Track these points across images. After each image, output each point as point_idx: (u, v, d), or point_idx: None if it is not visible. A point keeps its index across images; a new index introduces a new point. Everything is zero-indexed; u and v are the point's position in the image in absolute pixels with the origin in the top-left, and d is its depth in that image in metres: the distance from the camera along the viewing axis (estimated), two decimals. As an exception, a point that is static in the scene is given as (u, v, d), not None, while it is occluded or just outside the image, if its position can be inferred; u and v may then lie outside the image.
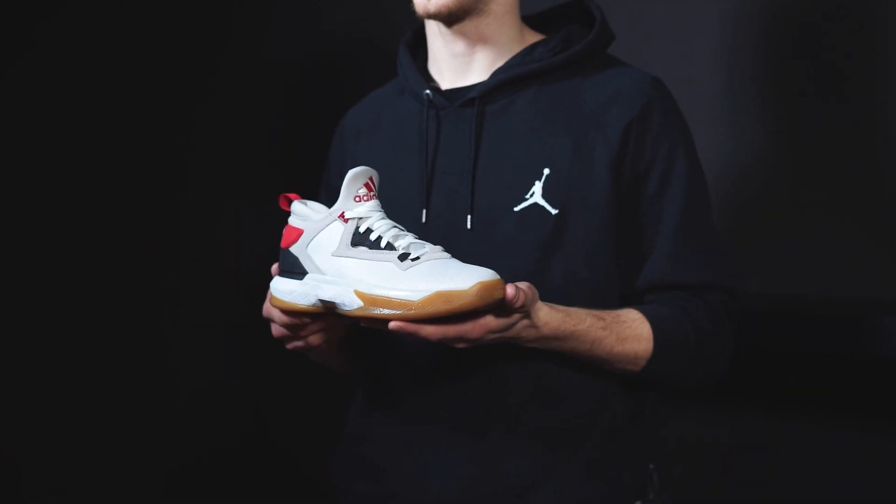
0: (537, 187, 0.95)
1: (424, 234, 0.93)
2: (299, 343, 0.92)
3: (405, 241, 0.84)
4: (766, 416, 1.40)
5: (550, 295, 0.89)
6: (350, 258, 0.84)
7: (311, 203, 0.89)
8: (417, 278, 0.80)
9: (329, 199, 0.89)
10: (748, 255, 1.33)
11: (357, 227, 0.85)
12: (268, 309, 0.91)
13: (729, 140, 1.36)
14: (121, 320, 1.65)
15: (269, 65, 1.72)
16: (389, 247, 0.84)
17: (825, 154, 1.33)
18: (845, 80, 1.30)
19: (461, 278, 0.78)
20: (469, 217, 0.96)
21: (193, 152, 1.68)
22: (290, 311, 0.87)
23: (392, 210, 0.92)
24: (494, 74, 0.98)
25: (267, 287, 0.92)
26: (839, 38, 1.31)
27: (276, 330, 0.92)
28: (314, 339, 0.91)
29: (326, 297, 0.83)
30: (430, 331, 0.78)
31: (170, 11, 1.71)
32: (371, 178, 0.87)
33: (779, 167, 1.37)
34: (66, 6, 1.58)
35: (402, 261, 0.82)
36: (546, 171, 0.95)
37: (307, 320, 0.88)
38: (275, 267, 0.90)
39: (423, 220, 0.98)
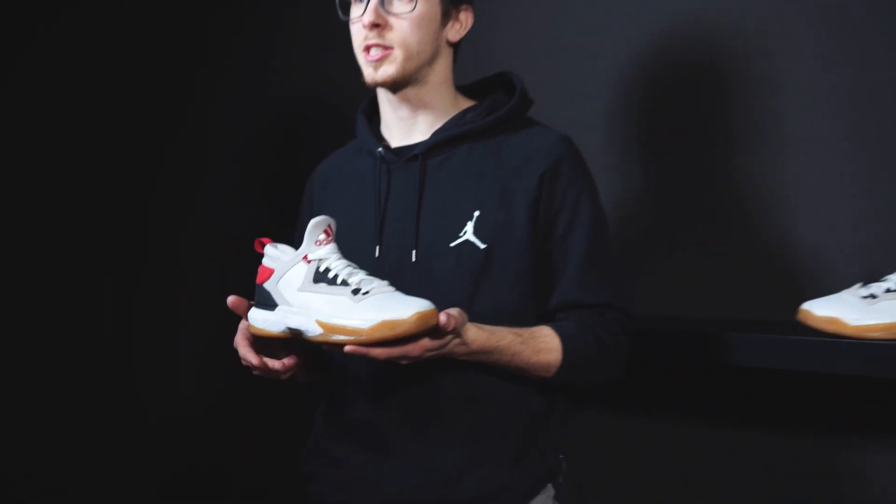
0: (469, 227, 1.07)
1: (378, 266, 1.05)
2: (260, 374, 1.03)
3: (357, 278, 0.95)
4: (647, 414, 1.51)
5: (480, 314, 1.00)
6: (312, 293, 0.95)
7: (280, 246, 1.00)
8: (367, 309, 0.91)
9: (301, 241, 0.99)
10: (630, 282, 1.43)
11: (318, 267, 0.96)
12: (237, 342, 1.03)
13: (617, 186, 1.48)
14: (120, 335, 1.79)
15: (245, 126, 1.88)
16: (344, 283, 0.94)
17: (693, 202, 1.45)
18: (707, 138, 1.44)
19: (402, 309, 0.89)
20: (414, 252, 1.08)
21: (189, 193, 1.85)
22: (263, 337, 0.99)
23: (352, 247, 1.03)
24: (434, 135, 1.11)
25: (236, 320, 1.03)
26: (703, 105, 1.45)
27: (244, 362, 1.03)
28: (276, 367, 1.02)
29: (293, 326, 0.95)
30: (378, 352, 0.90)
31: (158, 65, 1.83)
32: (329, 226, 0.98)
33: (658, 211, 1.49)
34: (49, 45, 1.67)
35: (354, 295, 0.93)
36: (476, 213, 1.07)
37: (255, 361, 1.00)
38: (231, 299, 1.01)
39: (377, 254, 1.09)
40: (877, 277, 1.15)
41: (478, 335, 0.98)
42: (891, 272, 1.13)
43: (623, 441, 1.53)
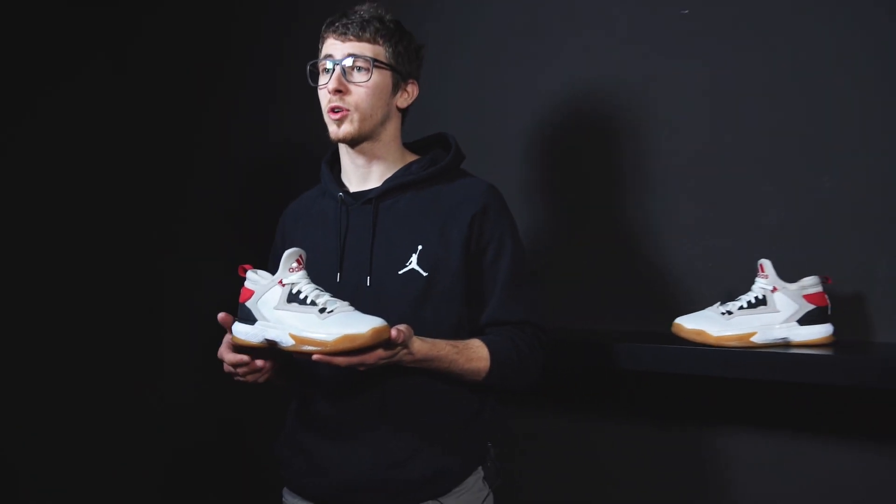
0: (414, 258, 1.21)
1: (338, 290, 1.18)
2: (241, 379, 1.19)
3: (323, 299, 1.09)
4: (557, 409, 1.70)
5: (423, 330, 1.15)
6: (286, 311, 1.08)
7: (259, 272, 1.14)
8: (331, 325, 1.04)
9: (275, 266, 1.13)
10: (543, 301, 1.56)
11: (291, 290, 1.10)
12: (221, 352, 1.17)
13: (529, 223, 1.68)
14: (116, 345, 1.96)
15: (234, 169, 2.18)
16: (312, 303, 1.08)
17: (591, 236, 1.67)
18: (600, 183, 1.66)
19: (361, 325, 1.03)
20: (369, 278, 1.22)
21: (180, 230, 2.15)
22: (244, 347, 1.13)
23: (317, 273, 1.16)
24: (385, 182, 1.27)
25: (222, 333, 1.18)
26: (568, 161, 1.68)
27: (226, 367, 1.18)
28: (250, 378, 1.18)
29: (270, 338, 1.08)
30: (340, 360, 1.03)
31: (162, 125, 2.17)
32: (301, 256, 1.12)
33: (561, 243, 1.70)
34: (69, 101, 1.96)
35: (321, 313, 1.06)
36: (420, 247, 1.22)
37: (246, 358, 1.15)
38: (222, 315, 1.15)
39: (338, 280, 1.23)
40: (732, 297, 1.37)
41: (421, 346, 1.13)
42: (743, 293, 1.36)
43: (538, 431, 1.72)
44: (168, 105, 2.14)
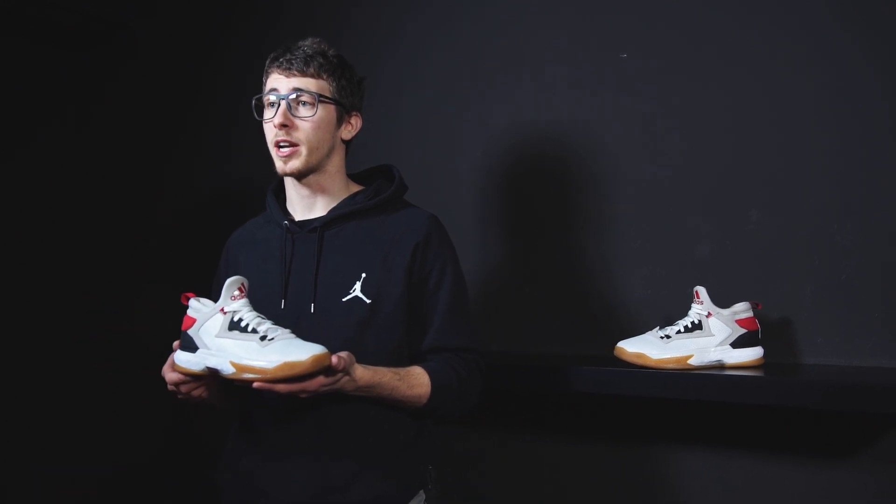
0: (357, 285, 1.23)
1: (282, 316, 1.19)
2: (182, 397, 1.19)
3: (264, 326, 1.09)
4: (504, 429, 1.73)
5: (366, 355, 1.16)
6: (227, 339, 1.09)
7: (202, 300, 1.16)
8: (272, 352, 1.04)
9: (218, 291, 1.14)
10: (489, 327, 1.70)
11: (232, 318, 1.11)
12: (164, 371, 1.17)
13: (477, 254, 1.74)
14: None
15: (185, 200, 2.35)
16: (254, 331, 1.08)
17: (536, 264, 1.71)
18: (544, 215, 1.71)
19: (301, 352, 1.03)
20: (312, 304, 1.24)
21: (143, 262, 2.35)
22: (186, 374, 1.14)
23: (262, 300, 1.18)
24: (330, 212, 1.29)
25: (168, 353, 1.18)
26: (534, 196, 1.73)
27: (169, 387, 1.19)
28: (196, 393, 1.19)
29: (211, 365, 1.09)
30: (280, 387, 1.04)
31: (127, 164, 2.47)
32: (242, 284, 1.13)
33: (512, 273, 1.74)
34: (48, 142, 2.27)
35: (262, 340, 1.06)
36: (363, 275, 1.24)
37: (188, 378, 1.15)
38: (176, 343, 1.16)
39: (282, 306, 1.24)
40: (670, 322, 1.42)
41: (364, 373, 1.14)
42: (680, 319, 1.40)
43: (485, 452, 1.75)
44: (135, 142, 2.47)
